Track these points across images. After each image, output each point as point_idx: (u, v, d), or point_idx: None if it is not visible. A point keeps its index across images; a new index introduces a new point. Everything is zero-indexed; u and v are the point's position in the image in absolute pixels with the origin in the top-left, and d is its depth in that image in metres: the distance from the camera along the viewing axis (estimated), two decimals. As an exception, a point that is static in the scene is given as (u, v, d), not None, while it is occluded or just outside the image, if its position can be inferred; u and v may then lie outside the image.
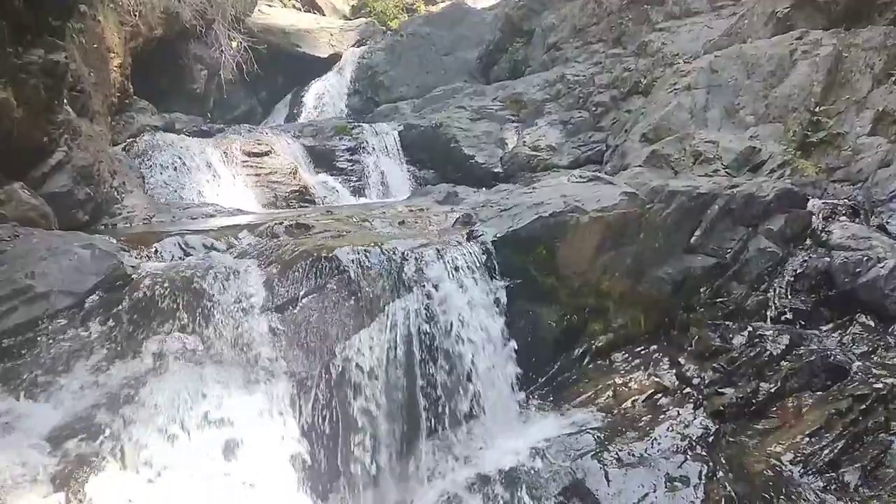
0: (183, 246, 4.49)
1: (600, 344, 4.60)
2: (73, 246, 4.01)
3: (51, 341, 3.42)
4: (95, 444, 2.92)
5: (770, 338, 4.47)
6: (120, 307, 3.59)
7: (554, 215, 4.54)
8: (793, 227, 5.21)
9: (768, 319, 4.81)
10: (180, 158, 8.00)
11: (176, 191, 7.65)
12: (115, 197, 6.59)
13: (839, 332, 4.61)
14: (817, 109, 6.84)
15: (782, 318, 4.80)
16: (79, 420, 3.04)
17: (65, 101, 5.80)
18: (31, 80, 4.92)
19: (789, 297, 4.89)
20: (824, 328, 4.66)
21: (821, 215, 5.43)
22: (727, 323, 4.72)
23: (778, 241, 5.13)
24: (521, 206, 4.69)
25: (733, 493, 3.33)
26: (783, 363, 4.28)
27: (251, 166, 8.35)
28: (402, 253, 3.97)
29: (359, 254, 3.92)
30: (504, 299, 4.24)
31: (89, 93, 6.91)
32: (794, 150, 6.62)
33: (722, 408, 4.04)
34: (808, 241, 5.20)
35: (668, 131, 7.18)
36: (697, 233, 5.04)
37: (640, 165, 6.73)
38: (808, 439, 3.74)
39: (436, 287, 3.89)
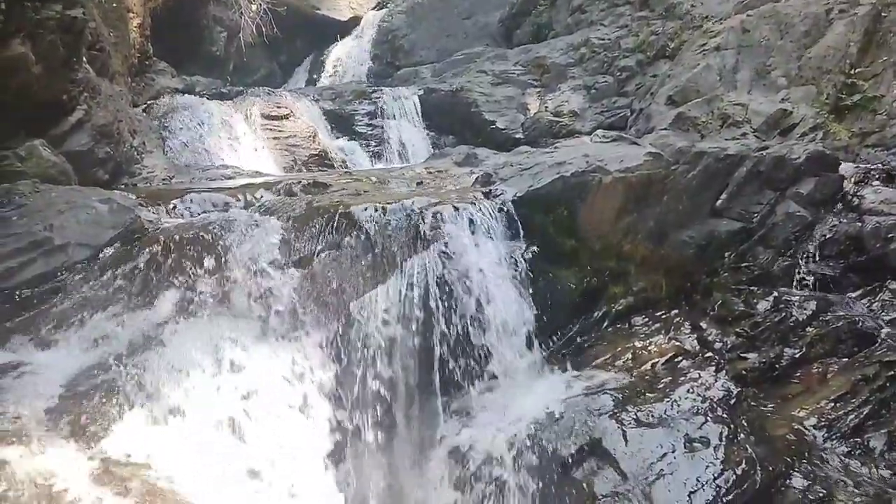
0: (201, 203, 4.49)
1: (620, 307, 4.51)
2: (92, 200, 4.04)
3: (68, 292, 3.44)
4: (111, 394, 2.94)
5: (796, 303, 4.35)
6: (137, 260, 3.61)
7: (575, 175, 4.43)
8: (823, 190, 5.04)
9: (795, 285, 4.68)
10: (200, 120, 7.98)
11: (195, 153, 7.63)
12: (135, 157, 6.59)
13: (868, 298, 4.47)
14: (852, 71, 6.58)
15: (809, 283, 4.68)
16: (95, 369, 3.06)
17: (84, 59, 5.77)
18: (48, 35, 4.89)
19: (817, 262, 4.75)
20: (853, 294, 4.52)
21: (853, 180, 5.22)
22: (752, 288, 4.60)
23: (807, 206, 4.97)
24: (541, 165, 4.59)
25: (754, 455, 3.26)
26: (809, 329, 4.17)
27: (270, 129, 8.31)
28: (420, 210, 3.91)
29: (376, 210, 3.87)
30: (523, 260, 4.17)
31: (109, 52, 6.87)
32: (827, 114, 6.39)
33: (744, 372, 3.96)
34: (839, 206, 5.02)
35: (695, 93, 6.97)
36: (724, 196, 4.90)
37: (665, 129, 6.55)
38: (832, 404, 3.65)
39: (453, 244, 3.82)
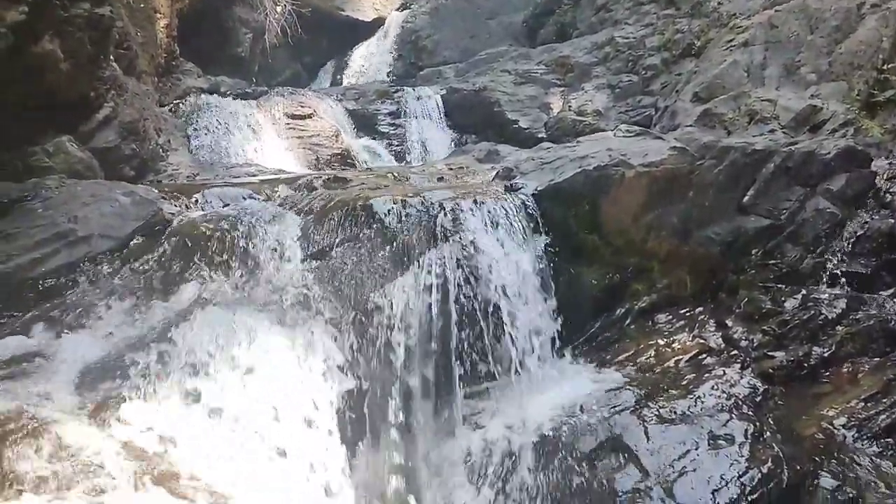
0: (222, 197, 4.51)
1: (643, 304, 4.44)
2: (115, 193, 4.09)
3: (90, 282, 3.48)
4: (130, 381, 2.95)
5: (825, 301, 4.25)
6: (158, 251, 3.64)
7: (598, 169, 4.36)
8: (854, 187, 4.90)
9: (824, 283, 4.56)
10: (224, 120, 8.07)
11: (219, 151, 7.71)
12: (161, 154, 6.68)
13: (901, 297, 4.34)
14: (885, 67, 6.38)
15: (839, 281, 4.55)
16: (115, 358, 3.08)
17: (111, 57, 5.87)
18: (77, 33, 4.97)
19: (848, 260, 4.62)
20: (885, 293, 4.39)
21: (885, 176, 5.08)
22: (779, 286, 4.49)
23: (837, 202, 4.84)
24: (563, 159, 4.54)
25: (781, 454, 3.18)
26: (839, 328, 4.07)
27: (294, 128, 8.37)
28: (439, 203, 3.89)
29: (395, 203, 3.85)
30: (543, 254, 4.12)
31: (136, 51, 6.98)
32: (859, 110, 6.19)
33: (771, 371, 3.87)
34: (871, 203, 4.88)
35: (721, 90, 6.82)
36: (751, 192, 4.79)
37: (690, 125, 6.41)
38: (863, 404, 3.55)
39: (472, 238, 3.79)
